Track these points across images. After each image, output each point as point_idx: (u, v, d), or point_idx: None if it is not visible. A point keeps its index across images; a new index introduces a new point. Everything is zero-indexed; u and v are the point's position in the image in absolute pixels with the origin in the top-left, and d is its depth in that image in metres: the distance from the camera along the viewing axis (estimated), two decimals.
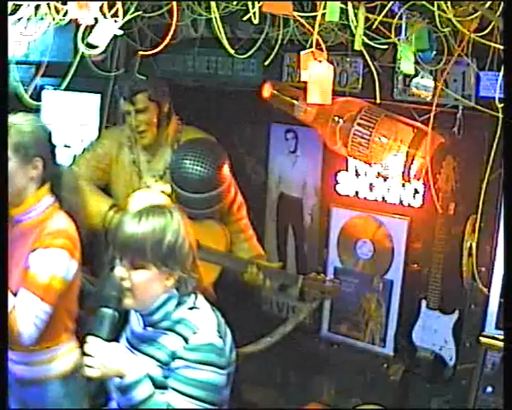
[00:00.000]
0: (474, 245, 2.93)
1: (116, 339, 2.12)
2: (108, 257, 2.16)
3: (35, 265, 2.33)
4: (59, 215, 2.44)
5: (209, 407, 2.01)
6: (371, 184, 3.41)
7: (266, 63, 2.79)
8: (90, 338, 2.03)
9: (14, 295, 2.32)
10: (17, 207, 2.40)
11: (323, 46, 2.00)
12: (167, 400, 1.99)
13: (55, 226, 2.39)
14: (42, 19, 2.36)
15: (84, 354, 2.02)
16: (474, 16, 2.03)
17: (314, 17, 2.01)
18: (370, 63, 2.44)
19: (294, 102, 3.11)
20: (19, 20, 2.31)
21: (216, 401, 2.04)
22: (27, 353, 2.43)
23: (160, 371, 2.04)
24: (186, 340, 2.01)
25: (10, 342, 2.33)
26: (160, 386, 2.02)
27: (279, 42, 2.69)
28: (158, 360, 2.05)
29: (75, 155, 3.59)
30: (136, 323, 2.17)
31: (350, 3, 1.97)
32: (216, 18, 2.21)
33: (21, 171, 2.36)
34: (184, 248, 2.06)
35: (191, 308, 2.08)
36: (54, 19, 2.32)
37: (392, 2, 2.06)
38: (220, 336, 2.05)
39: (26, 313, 2.28)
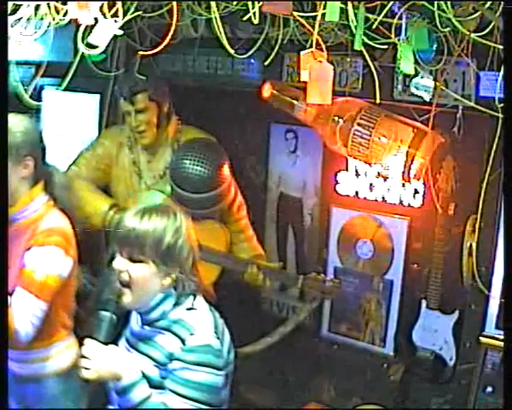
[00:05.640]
0: (474, 245, 2.93)
1: (115, 341, 2.12)
2: (108, 255, 2.17)
3: (30, 263, 2.34)
4: (53, 213, 2.45)
5: (207, 408, 2.01)
6: (371, 184, 3.41)
7: (266, 63, 2.79)
8: (87, 340, 2.04)
9: (10, 293, 2.32)
10: (11, 206, 2.41)
11: (323, 46, 2.00)
12: (164, 401, 2.00)
13: (49, 224, 2.40)
14: (42, 19, 2.35)
15: (81, 356, 2.02)
16: (474, 16, 2.03)
17: (314, 17, 2.01)
18: (370, 63, 2.44)
19: (294, 102, 3.11)
20: (19, 20, 2.31)
21: (213, 402, 2.04)
22: (24, 350, 2.43)
23: (157, 372, 2.04)
24: (183, 341, 2.01)
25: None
26: (157, 386, 2.03)
27: (279, 42, 2.69)
28: (154, 360, 2.05)
29: (75, 155, 3.59)
30: (134, 321, 2.18)
31: (350, 3, 1.97)
32: (216, 18, 2.21)
33: (13, 171, 2.37)
34: (184, 250, 2.06)
35: (189, 309, 2.08)
36: (54, 19, 2.32)
37: (392, 2, 2.06)
38: (217, 337, 2.04)
39: (23, 312, 2.29)
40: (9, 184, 2.36)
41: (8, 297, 2.31)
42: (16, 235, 2.40)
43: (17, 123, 2.41)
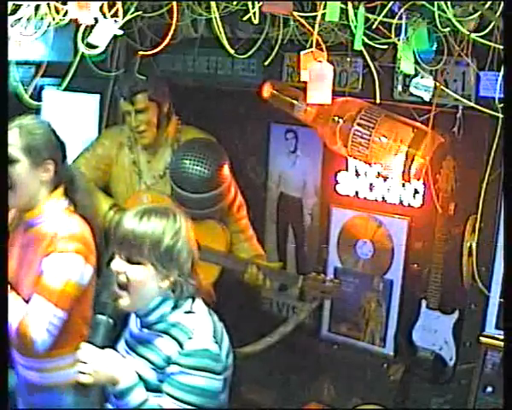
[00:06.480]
0: (474, 245, 2.93)
1: (112, 344, 2.10)
2: (107, 256, 2.16)
3: (49, 270, 2.28)
4: (73, 219, 2.40)
5: None
6: (371, 184, 3.41)
7: (266, 63, 2.79)
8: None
9: (27, 300, 2.29)
10: (30, 211, 2.38)
11: (323, 46, 2.00)
12: (161, 404, 1.98)
13: (70, 231, 2.34)
14: (42, 19, 2.36)
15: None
16: (474, 16, 2.03)
17: (314, 17, 2.01)
18: (370, 63, 2.44)
19: (294, 102, 3.11)
20: (19, 20, 2.31)
21: (211, 406, 2.02)
22: (41, 359, 2.38)
23: (155, 375, 2.03)
24: (181, 345, 1.99)
25: (24, 349, 2.34)
26: (154, 389, 2.01)
27: (279, 42, 2.69)
28: (152, 363, 2.04)
29: (75, 155, 3.58)
30: (133, 324, 2.17)
31: (350, 3, 1.97)
32: (216, 18, 2.21)
33: (33, 174, 2.33)
34: (183, 253, 2.04)
35: (187, 312, 2.06)
36: (54, 19, 2.32)
37: (392, 2, 2.06)
38: (216, 342, 2.03)
39: (40, 320, 2.24)
40: (28, 186, 2.32)
41: (24, 304, 2.28)
42: (34, 240, 2.35)
43: (35, 125, 2.37)
